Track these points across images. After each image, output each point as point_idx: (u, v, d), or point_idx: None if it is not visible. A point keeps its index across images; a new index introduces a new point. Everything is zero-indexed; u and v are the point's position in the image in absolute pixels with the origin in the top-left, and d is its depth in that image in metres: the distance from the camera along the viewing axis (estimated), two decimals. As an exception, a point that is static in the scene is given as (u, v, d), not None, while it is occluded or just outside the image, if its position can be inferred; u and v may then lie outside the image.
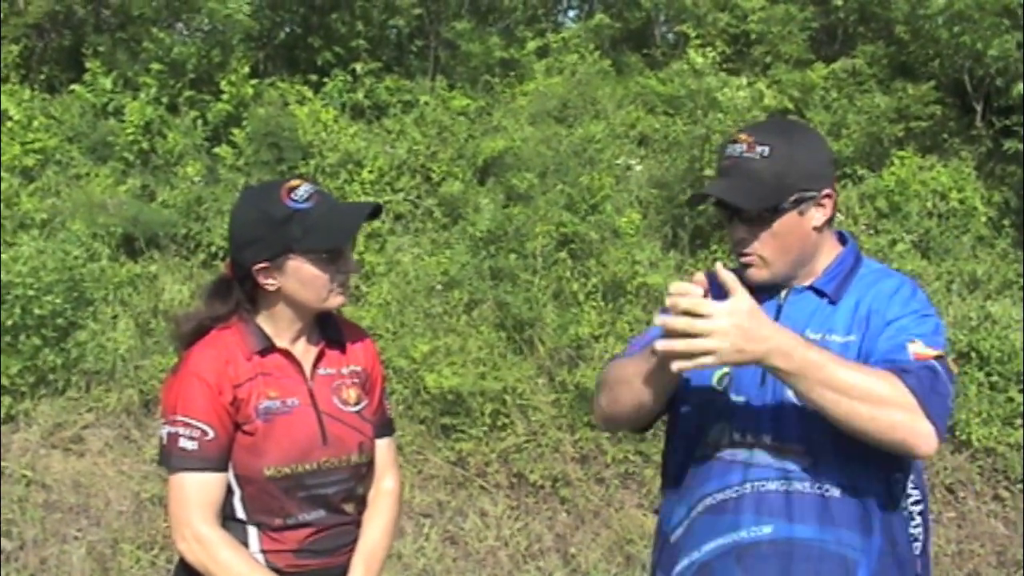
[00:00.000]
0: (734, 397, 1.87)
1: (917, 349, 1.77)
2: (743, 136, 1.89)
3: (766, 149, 1.86)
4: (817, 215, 1.88)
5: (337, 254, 2.01)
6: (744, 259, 1.90)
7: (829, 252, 1.94)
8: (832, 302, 1.89)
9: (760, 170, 1.85)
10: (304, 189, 1.99)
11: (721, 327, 1.64)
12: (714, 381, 1.88)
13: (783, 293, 1.93)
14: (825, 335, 1.85)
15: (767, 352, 1.66)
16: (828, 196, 1.89)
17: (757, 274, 1.90)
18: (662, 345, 1.68)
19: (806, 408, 1.75)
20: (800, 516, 1.82)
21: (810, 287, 1.92)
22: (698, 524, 1.90)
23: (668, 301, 1.70)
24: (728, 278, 1.69)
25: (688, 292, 1.68)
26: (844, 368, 1.70)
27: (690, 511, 1.92)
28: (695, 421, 1.93)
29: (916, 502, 1.89)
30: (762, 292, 1.93)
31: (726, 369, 1.69)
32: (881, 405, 1.68)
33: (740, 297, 1.67)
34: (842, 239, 1.99)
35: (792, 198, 1.85)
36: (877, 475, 1.83)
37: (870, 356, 1.80)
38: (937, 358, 1.77)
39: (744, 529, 1.84)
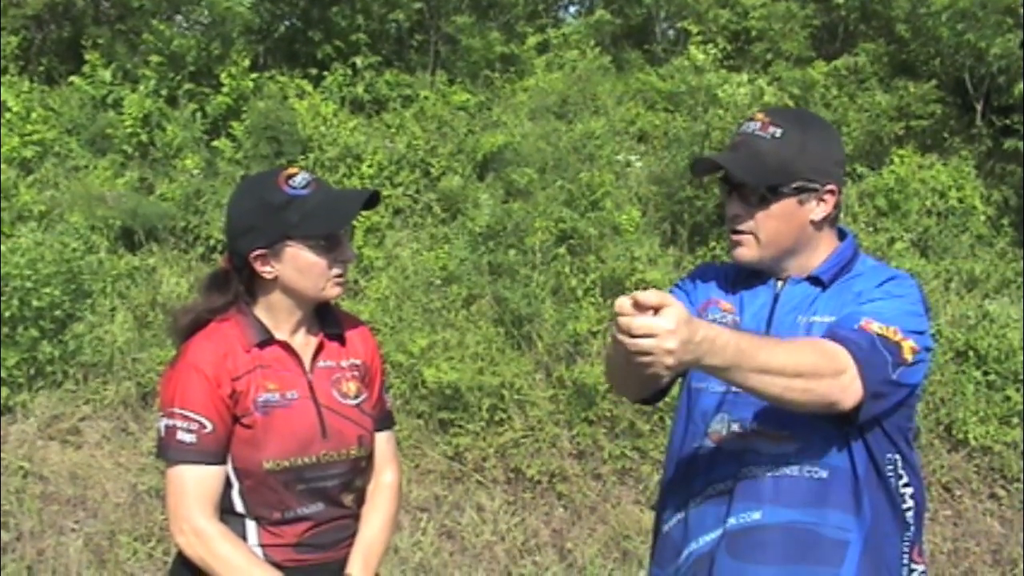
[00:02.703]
0: (735, 388, 1.85)
1: (869, 324, 1.76)
2: (760, 115, 1.91)
3: (779, 131, 1.86)
4: (817, 209, 1.89)
5: (335, 241, 2.01)
6: (736, 236, 1.91)
7: (827, 249, 1.94)
8: (824, 289, 1.90)
9: (768, 150, 1.86)
10: (302, 177, 2.00)
11: (667, 326, 1.54)
12: None
13: (779, 284, 1.93)
14: (811, 316, 1.87)
15: (705, 352, 1.58)
16: (831, 192, 1.89)
17: (745, 253, 1.91)
18: (630, 344, 1.58)
19: None
20: (788, 500, 1.83)
21: (807, 278, 1.93)
22: (694, 516, 1.91)
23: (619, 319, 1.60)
24: (653, 295, 1.57)
25: (627, 310, 1.57)
26: (774, 349, 1.68)
27: (687, 503, 1.93)
28: (699, 413, 1.94)
29: (907, 484, 1.89)
30: (757, 282, 1.94)
31: None
32: (811, 377, 1.67)
33: (674, 303, 1.57)
34: (841, 236, 1.99)
35: (794, 185, 1.86)
36: (863, 456, 1.84)
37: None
38: (882, 336, 1.74)
39: (734, 516, 1.85)
